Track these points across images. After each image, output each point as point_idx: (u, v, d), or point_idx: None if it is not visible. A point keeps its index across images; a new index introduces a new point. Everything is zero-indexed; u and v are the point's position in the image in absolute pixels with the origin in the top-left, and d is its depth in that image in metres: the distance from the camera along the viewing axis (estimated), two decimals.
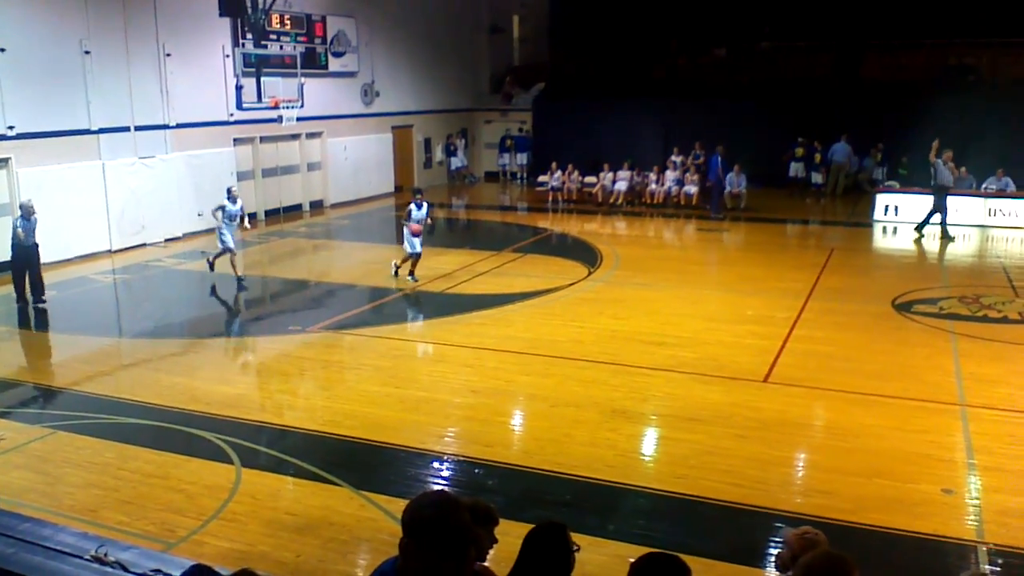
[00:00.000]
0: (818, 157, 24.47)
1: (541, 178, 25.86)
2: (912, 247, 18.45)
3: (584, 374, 10.27)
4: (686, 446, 8.27)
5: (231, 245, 14.94)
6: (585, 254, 17.23)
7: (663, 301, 13.55)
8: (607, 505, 7.19)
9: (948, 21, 24.82)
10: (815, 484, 7.71)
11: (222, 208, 14.85)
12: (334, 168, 23.90)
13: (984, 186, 20.93)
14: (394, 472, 7.85)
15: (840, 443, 8.39)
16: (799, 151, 24.49)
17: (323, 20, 23.10)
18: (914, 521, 6.84)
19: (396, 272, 15.06)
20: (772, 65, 27.35)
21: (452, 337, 11.90)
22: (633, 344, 11.32)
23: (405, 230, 14.69)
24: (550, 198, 24.70)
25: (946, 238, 18.43)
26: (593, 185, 24.18)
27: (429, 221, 15.52)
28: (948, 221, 18.55)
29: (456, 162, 28.92)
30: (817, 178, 24.57)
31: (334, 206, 23.85)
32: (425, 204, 14.82)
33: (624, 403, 9.28)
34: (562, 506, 7.13)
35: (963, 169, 21.05)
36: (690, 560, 6.35)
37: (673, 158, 24.22)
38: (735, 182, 22.52)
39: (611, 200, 23.57)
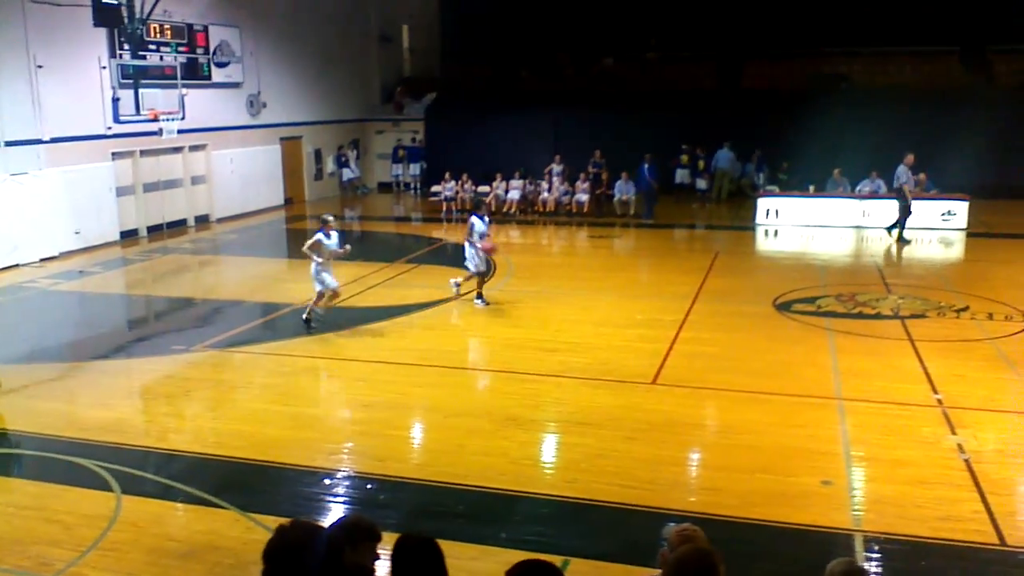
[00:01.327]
0: (702, 164, 25.25)
1: (434, 188, 25.82)
2: (794, 248, 19.21)
3: (477, 383, 10.30)
4: (578, 450, 8.37)
5: (335, 284, 12.67)
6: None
7: (555, 308, 13.70)
8: (501, 514, 7.20)
9: (821, 33, 26.11)
10: (702, 482, 7.93)
11: (319, 244, 12.37)
12: (220, 181, 23.28)
13: (858, 188, 21.95)
14: (282, 492, 7.67)
15: (725, 440, 8.65)
16: (684, 158, 25.22)
17: (205, 30, 22.49)
18: (796, 513, 7.09)
19: (458, 292, 13.93)
20: (658, 75, 28.10)
21: (344, 351, 11.74)
22: (526, 351, 11.39)
23: (471, 248, 13.54)
24: (444, 208, 24.68)
25: (901, 241, 19.11)
26: (487, 194, 24.27)
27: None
28: (904, 224, 19.20)
29: (348, 173, 28.59)
30: (702, 184, 25.34)
31: (220, 220, 23.21)
32: (487, 216, 14.12)
33: (517, 411, 9.33)
34: (456, 517, 7.10)
35: (836, 171, 22.10)
36: (583, 563, 6.51)
37: (554, 167, 24.49)
38: (623, 189, 23.02)
39: (504, 209, 23.72)
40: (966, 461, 7.91)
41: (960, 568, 6.32)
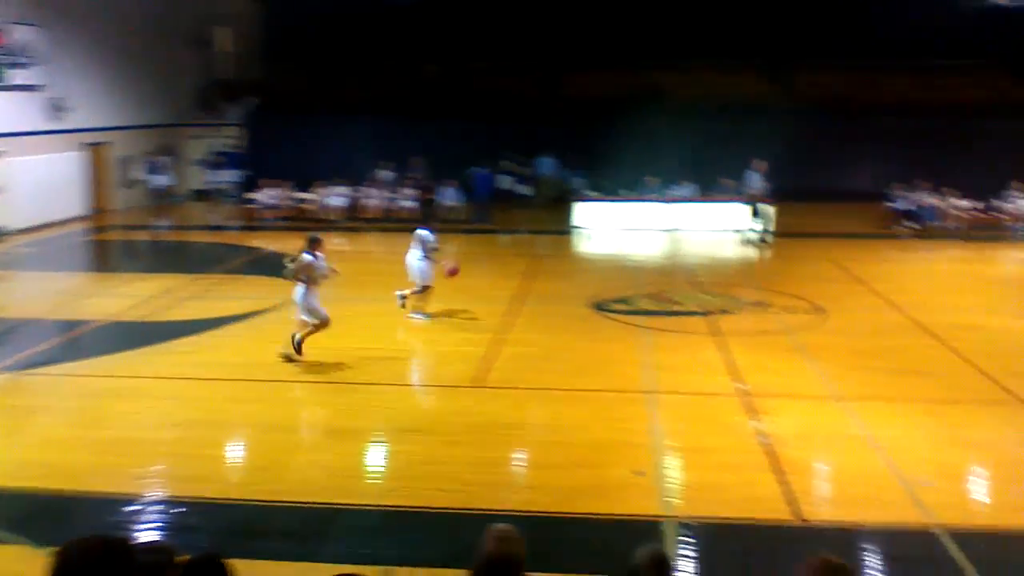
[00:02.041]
0: (526, 171, 25.79)
1: (253, 195, 24.96)
2: (611, 250, 19.92)
3: (298, 395, 10.03)
4: (401, 458, 8.32)
5: (327, 314, 11.20)
6: None
7: (380, 314, 13.56)
8: (322, 528, 7.03)
9: (637, 46, 27.33)
10: (524, 480, 8.07)
11: (310, 266, 11.04)
12: (17, 191, 21.55)
13: (670, 193, 23.05)
14: (86, 522, 7.16)
15: (546, 438, 8.85)
16: (508, 165, 25.63)
17: None
18: (613, 504, 7.34)
19: (403, 304, 13.37)
20: (482, 84, 28.45)
21: (153, 369, 11.11)
22: (348, 360, 11.17)
23: (423, 262, 13.10)
24: (264, 216, 23.92)
25: (760, 242, 20.26)
26: (309, 202, 23.76)
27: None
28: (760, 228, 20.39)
29: (160, 181, 27.18)
30: (525, 190, 25.85)
31: (17, 232, 21.50)
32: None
33: (339, 421, 9.17)
34: (275, 536, 6.89)
35: (649, 178, 23.12)
36: (407, 571, 6.44)
37: (382, 173, 24.35)
38: (451, 196, 23.15)
39: (327, 216, 23.28)
40: (766, 445, 8.45)
41: (764, 546, 6.73)
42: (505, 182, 25.73)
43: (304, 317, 11.14)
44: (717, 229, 21.73)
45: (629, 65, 28.14)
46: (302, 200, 24.02)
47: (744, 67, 28.12)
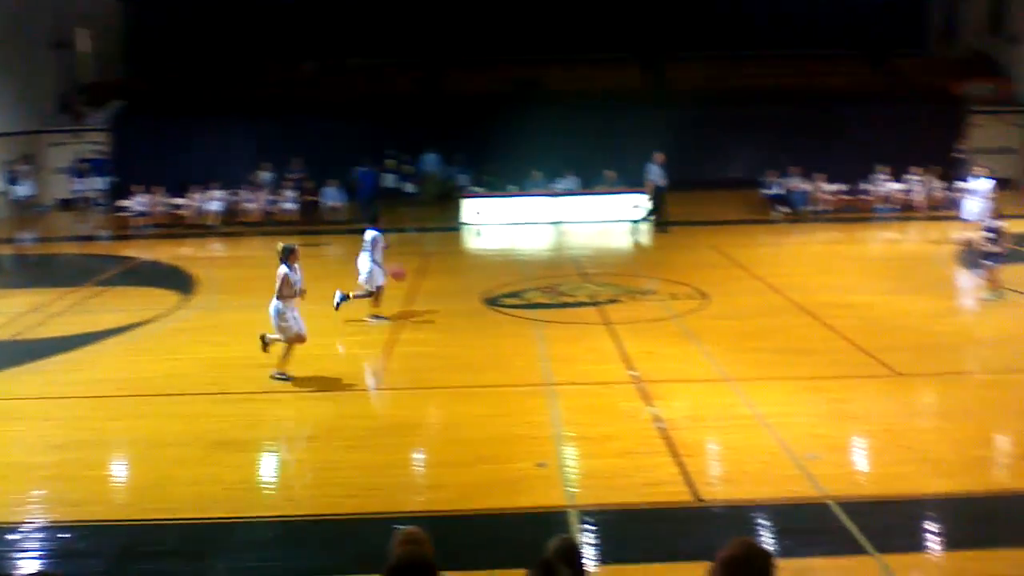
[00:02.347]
0: (410, 168, 25.55)
1: (124, 203, 23.85)
2: (500, 245, 19.98)
3: (185, 409, 9.62)
4: (298, 466, 8.12)
5: (304, 329, 10.54)
6: (178, 280, 16.21)
7: (266, 322, 13.10)
8: (217, 544, 6.78)
9: (516, 41, 27.49)
10: (426, 480, 8.00)
11: (286, 279, 10.33)
12: None
13: (555, 186, 23.30)
14: None
15: (446, 437, 8.80)
16: (391, 163, 25.32)
17: None
18: (516, 498, 7.35)
19: (339, 306, 12.96)
20: (361, 81, 28.04)
21: (27, 389, 10.48)
22: (237, 370, 10.84)
23: (372, 264, 12.83)
24: (137, 224, 22.89)
25: (661, 229, 20.80)
26: (184, 207, 22.89)
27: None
28: (661, 217, 20.92)
29: (22, 191, 25.63)
30: (410, 188, 25.62)
31: None
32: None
33: (231, 433, 8.85)
34: (168, 555, 6.60)
35: (535, 172, 23.33)
36: None
37: (262, 174, 23.68)
38: (333, 196, 22.73)
39: (205, 221, 22.48)
40: (662, 429, 8.63)
41: (664, 528, 6.86)
42: (389, 180, 25.39)
43: (282, 336, 10.44)
44: (601, 220, 22.10)
45: (508, 60, 28.29)
46: (177, 206, 23.11)
47: (620, 60, 28.70)
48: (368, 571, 6.17)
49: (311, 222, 22.65)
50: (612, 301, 13.98)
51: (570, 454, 8.23)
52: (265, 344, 10.72)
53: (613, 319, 12.78)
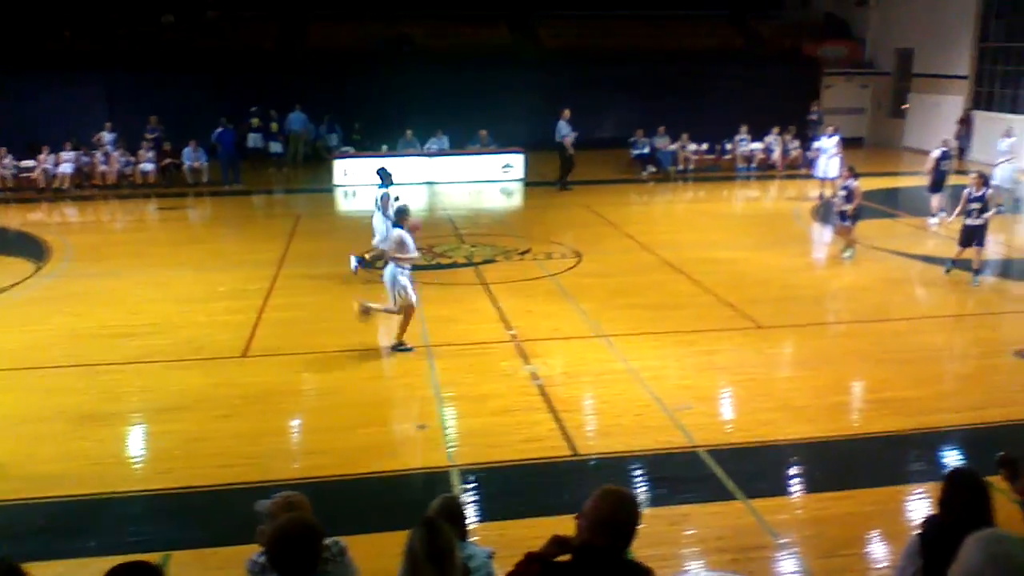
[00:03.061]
0: (275, 127, 24.70)
1: None
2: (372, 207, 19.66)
3: (44, 382, 9.11)
4: (169, 438, 7.83)
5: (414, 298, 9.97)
6: (30, 248, 15.22)
7: (128, 289, 12.58)
8: (87, 521, 6.49)
9: None
10: (305, 447, 7.88)
11: (404, 244, 9.80)
12: None
13: (427, 146, 23.08)
14: None
15: (324, 402, 8.66)
16: (255, 121, 24.43)
17: None
18: (399, 460, 7.37)
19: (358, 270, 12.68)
20: (221, 35, 26.85)
21: None
22: (98, 340, 10.33)
23: (386, 222, 12.22)
24: None
25: (565, 187, 20.71)
26: (32, 169, 21.44)
27: None
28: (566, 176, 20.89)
29: None
30: (277, 147, 24.82)
31: None
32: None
33: (94, 406, 8.44)
34: (36, 534, 6.27)
35: (408, 132, 23.02)
36: (187, 554, 6.12)
37: (104, 135, 22.37)
38: (193, 157, 21.80)
39: (55, 185, 21.16)
40: (540, 386, 8.78)
41: (543, 482, 7.00)
42: (254, 140, 24.53)
43: (388, 305, 10.00)
44: (475, 180, 22.08)
45: (375, 16, 27.70)
46: (22, 169, 21.63)
47: (490, 18, 28.56)
48: (242, 542, 6.07)
49: (170, 184, 21.68)
50: (488, 261, 14.04)
51: (450, 414, 8.26)
52: (366, 310, 10.17)
53: (489, 279, 12.85)
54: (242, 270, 13.51)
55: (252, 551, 3.91)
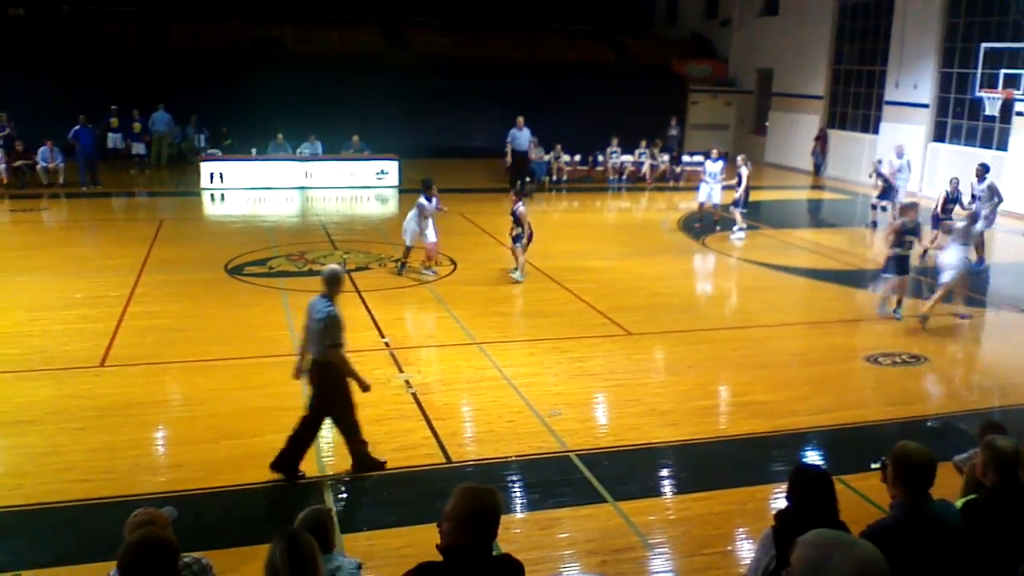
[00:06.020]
0: (138, 127, 23.66)
1: None
2: (242, 212, 19.13)
3: None
4: (19, 452, 7.37)
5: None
6: None
7: None
8: None
9: None
10: (167, 460, 7.57)
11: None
12: None
13: (299, 150, 22.63)
14: None
15: (186, 413, 8.35)
16: (115, 121, 23.33)
17: None
18: (266, 472, 7.12)
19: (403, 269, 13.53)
20: (78, 30, 25.57)
21: None
22: None
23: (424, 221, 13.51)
24: None
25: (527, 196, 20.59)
26: None
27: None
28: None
29: None
30: (140, 148, 23.80)
31: None
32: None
33: None
34: None
35: (279, 136, 22.52)
36: (37, 573, 5.77)
37: None
38: (48, 157, 20.64)
39: None
40: (413, 394, 8.73)
41: (417, 490, 6.95)
42: (114, 140, 23.40)
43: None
44: (349, 186, 21.82)
45: (240, 16, 27.03)
46: None
47: (361, 22, 28.33)
48: (96, 559, 5.80)
49: (23, 185, 20.45)
50: (362, 268, 13.88)
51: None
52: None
53: (363, 287, 12.69)
54: (99, 276, 12.88)
55: (110, 568, 3.72)
